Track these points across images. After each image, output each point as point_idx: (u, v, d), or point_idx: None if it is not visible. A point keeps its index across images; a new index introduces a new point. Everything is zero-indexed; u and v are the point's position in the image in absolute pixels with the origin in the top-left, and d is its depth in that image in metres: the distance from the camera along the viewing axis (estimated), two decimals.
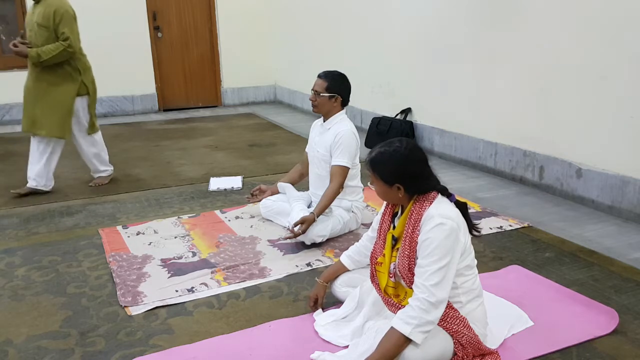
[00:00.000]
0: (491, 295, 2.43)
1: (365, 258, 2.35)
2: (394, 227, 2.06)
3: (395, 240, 2.03)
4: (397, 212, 2.09)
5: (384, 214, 2.15)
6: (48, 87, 4.06)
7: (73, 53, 4.03)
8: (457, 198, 2.02)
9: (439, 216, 1.88)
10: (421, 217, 1.92)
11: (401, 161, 1.95)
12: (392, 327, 1.87)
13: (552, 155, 4.00)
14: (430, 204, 1.93)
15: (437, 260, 1.85)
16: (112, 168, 4.61)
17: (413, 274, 1.93)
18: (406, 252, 1.95)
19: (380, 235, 2.14)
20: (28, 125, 4.11)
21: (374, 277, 2.15)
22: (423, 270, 1.87)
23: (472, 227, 2.02)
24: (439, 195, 1.97)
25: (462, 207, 2.00)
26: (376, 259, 2.12)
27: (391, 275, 2.03)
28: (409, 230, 1.94)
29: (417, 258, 1.92)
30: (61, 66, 4.06)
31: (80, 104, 4.21)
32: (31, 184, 4.18)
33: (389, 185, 1.97)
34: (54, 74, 4.06)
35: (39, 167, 4.16)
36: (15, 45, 3.96)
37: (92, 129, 4.34)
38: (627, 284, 2.65)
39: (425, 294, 1.84)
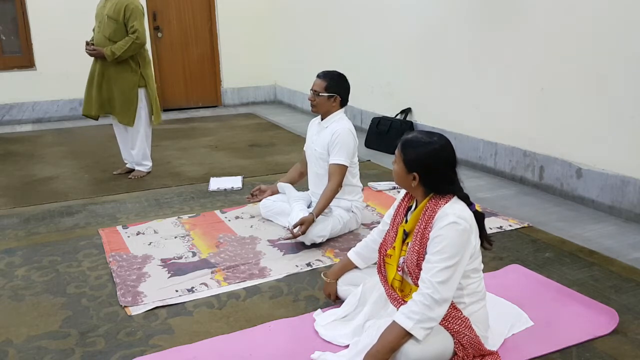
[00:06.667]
0: (491, 295, 2.42)
1: (374, 253, 2.33)
2: (406, 221, 2.06)
3: (406, 234, 2.04)
4: (411, 206, 2.10)
5: (398, 207, 2.15)
6: (113, 77, 4.38)
7: (142, 45, 4.36)
8: (477, 208, 2.02)
9: (453, 215, 1.88)
10: (435, 214, 1.92)
11: (429, 154, 1.94)
12: (394, 321, 1.87)
13: (552, 155, 4.00)
14: (446, 202, 1.94)
15: (447, 259, 1.85)
16: (151, 164, 4.79)
17: (420, 270, 1.93)
18: (416, 248, 1.95)
19: (392, 227, 2.14)
20: (95, 110, 4.45)
21: (381, 269, 2.15)
22: (431, 266, 1.87)
23: (485, 238, 2.02)
24: (455, 197, 1.97)
25: (480, 217, 2.00)
26: (386, 250, 2.12)
27: (399, 269, 2.04)
28: (422, 226, 1.95)
29: (426, 254, 1.92)
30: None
31: (139, 95, 4.47)
32: (129, 165, 4.76)
33: (407, 171, 1.97)
34: (117, 65, 4.35)
35: (125, 149, 4.69)
36: (91, 49, 4.30)
37: (156, 120, 4.65)
38: (627, 284, 2.65)
39: (430, 290, 1.84)
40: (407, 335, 1.85)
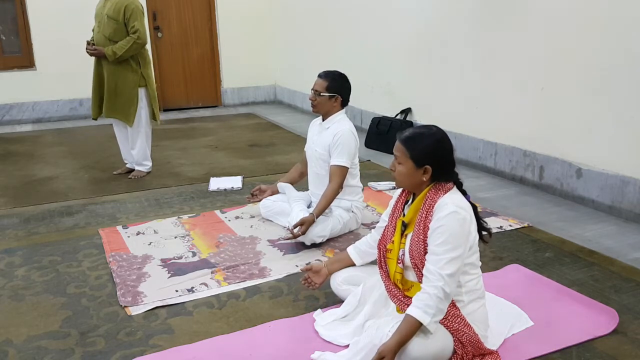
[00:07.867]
0: (491, 295, 2.42)
1: (371, 249, 2.34)
2: (404, 215, 2.07)
3: (405, 226, 2.04)
4: (408, 200, 2.11)
5: (396, 202, 2.16)
6: (113, 76, 4.38)
7: (143, 45, 4.37)
8: (470, 200, 2.03)
9: (452, 204, 1.90)
10: (435, 204, 1.94)
11: (437, 144, 1.97)
12: (411, 316, 1.86)
13: (552, 155, 4.00)
14: (445, 193, 1.96)
15: (451, 250, 1.86)
16: (151, 164, 4.78)
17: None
18: (420, 237, 1.95)
19: (391, 222, 2.15)
20: (100, 112, 4.52)
21: (382, 265, 2.15)
22: (438, 258, 1.88)
23: (482, 229, 2.03)
24: (454, 187, 2.00)
25: (473, 208, 2.02)
26: (385, 245, 2.13)
27: (399, 262, 2.04)
28: (423, 215, 1.96)
29: (428, 244, 1.93)
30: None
31: (139, 95, 4.48)
32: (129, 165, 4.77)
33: (418, 165, 1.97)
34: (118, 65, 4.35)
35: (125, 149, 4.71)
36: (92, 49, 4.30)
37: (156, 119, 4.67)
38: (627, 284, 2.65)
39: (442, 282, 1.85)
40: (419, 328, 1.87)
